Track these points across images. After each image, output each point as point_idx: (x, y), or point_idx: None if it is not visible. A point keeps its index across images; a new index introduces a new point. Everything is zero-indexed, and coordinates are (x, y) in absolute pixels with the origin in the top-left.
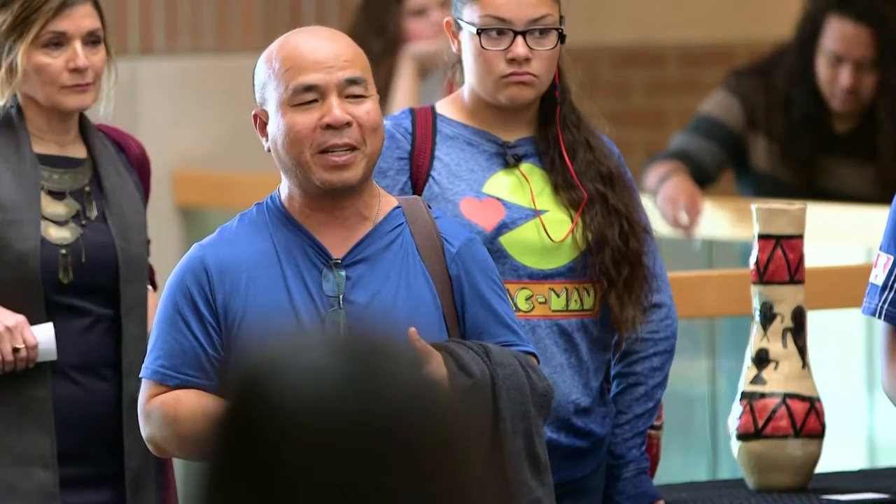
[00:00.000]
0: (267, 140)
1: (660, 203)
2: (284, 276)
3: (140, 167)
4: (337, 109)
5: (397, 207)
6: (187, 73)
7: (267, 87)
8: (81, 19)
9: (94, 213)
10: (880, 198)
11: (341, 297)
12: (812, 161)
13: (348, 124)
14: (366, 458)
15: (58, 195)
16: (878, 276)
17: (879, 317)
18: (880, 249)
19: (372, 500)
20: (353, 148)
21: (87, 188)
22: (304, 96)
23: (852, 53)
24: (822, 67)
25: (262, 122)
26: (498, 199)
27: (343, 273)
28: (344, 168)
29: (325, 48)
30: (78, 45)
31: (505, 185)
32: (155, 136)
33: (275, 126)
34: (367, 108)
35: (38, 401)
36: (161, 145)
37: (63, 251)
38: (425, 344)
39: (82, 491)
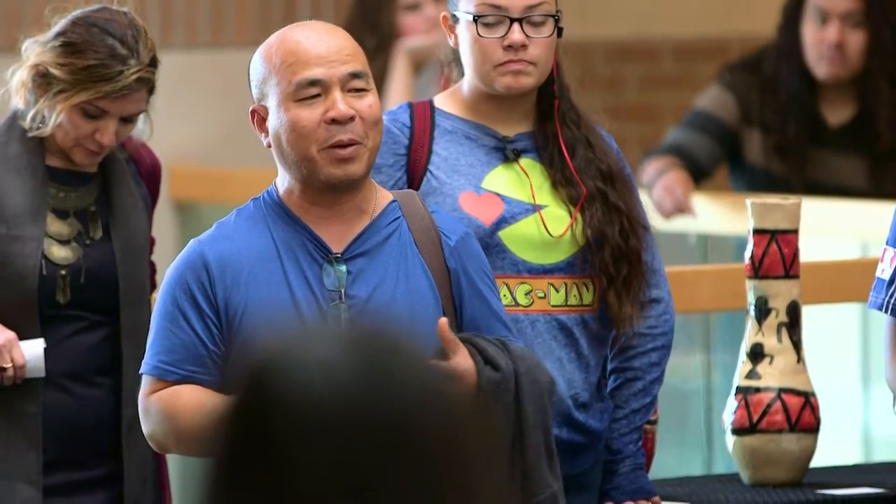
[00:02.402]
0: (266, 136)
1: (655, 195)
2: (285, 271)
3: (150, 178)
4: (341, 104)
5: (393, 202)
6: (182, 69)
7: (267, 83)
8: (129, 104)
9: (97, 234)
10: (873, 192)
11: (342, 291)
12: (804, 154)
13: (352, 118)
14: (374, 453)
15: (61, 214)
16: (884, 271)
17: (886, 311)
18: (887, 244)
19: (380, 495)
20: (356, 142)
21: (93, 208)
22: (308, 91)
23: (837, 8)
24: (809, 32)
25: (260, 118)
26: (497, 193)
27: (343, 267)
28: (349, 162)
29: (326, 42)
30: (113, 123)
31: (504, 180)
32: None
33: (277, 121)
34: (369, 102)
35: (29, 417)
36: (156, 140)
37: (63, 272)
38: (454, 336)
39: (77, 496)
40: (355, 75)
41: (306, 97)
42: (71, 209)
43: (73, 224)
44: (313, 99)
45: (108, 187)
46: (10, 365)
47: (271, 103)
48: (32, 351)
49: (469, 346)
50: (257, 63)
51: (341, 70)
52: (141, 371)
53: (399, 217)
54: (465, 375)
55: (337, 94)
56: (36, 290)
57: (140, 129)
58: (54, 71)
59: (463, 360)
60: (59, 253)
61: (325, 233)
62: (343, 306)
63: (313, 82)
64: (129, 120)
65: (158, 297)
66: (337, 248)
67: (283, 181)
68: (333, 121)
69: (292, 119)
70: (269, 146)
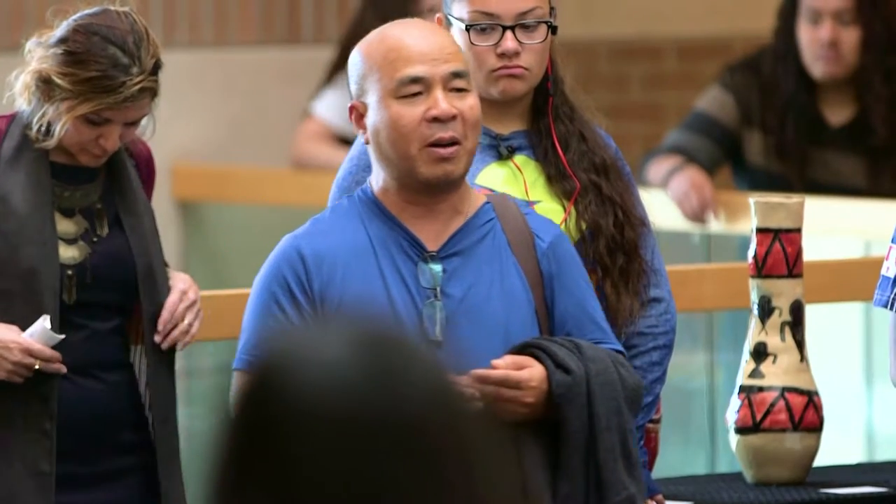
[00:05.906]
0: (364, 132)
1: (677, 191)
2: (380, 268)
3: (146, 169)
4: (443, 102)
5: (486, 203)
6: (185, 67)
7: (367, 79)
8: (133, 111)
9: (104, 231)
10: (874, 190)
11: (438, 289)
12: (804, 155)
13: (454, 117)
14: (381, 454)
15: (67, 212)
16: (889, 269)
17: (892, 309)
18: (892, 242)
19: (386, 496)
20: (456, 142)
21: (98, 205)
22: (410, 88)
23: (829, 6)
24: (804, 34)
25: (358, 114)
26: (491, 190)
27: (439, 266)
28: (448, 161)
29: (429, 40)
30: (117, 129)
31: (498, 177)
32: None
33: (377, 118)
34: (470, 103)
35: (44, 412)
36: (159, 139)
37: (69, 272)
38: (502, 365)
39: (80, 491)
40: (457, 74)
41: (408, 94)
42: (76, 207)
43: (80, 222)
44: (415, 97)
45: (116, 183)
46: (38, 364)
47: (371, 99)
48: (39, 329)
49: (538, 350)
50: (357, 59)
51: (444, 68)
52: (234, 366)
53: (493, 218)
54: (538, 384)
55: (439, 93)
56: (44, 290)
57: (143, 125)
58: (57, 80)
59: (529, 372)
60: (67, 253)
61: (421, 231)
62: (438, 304)
63: (415, 80)
64: (132, 123)
65: (252, 293)
66: (432, 246)
67: (378, 178)
68: (435, 119)
69: (393, 116)
70: (367, 142)
